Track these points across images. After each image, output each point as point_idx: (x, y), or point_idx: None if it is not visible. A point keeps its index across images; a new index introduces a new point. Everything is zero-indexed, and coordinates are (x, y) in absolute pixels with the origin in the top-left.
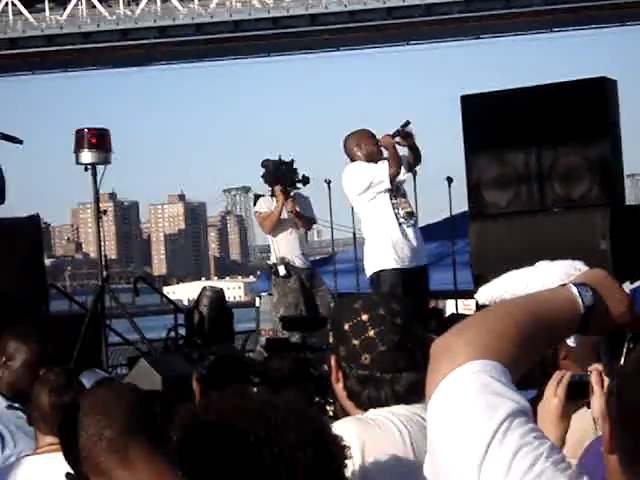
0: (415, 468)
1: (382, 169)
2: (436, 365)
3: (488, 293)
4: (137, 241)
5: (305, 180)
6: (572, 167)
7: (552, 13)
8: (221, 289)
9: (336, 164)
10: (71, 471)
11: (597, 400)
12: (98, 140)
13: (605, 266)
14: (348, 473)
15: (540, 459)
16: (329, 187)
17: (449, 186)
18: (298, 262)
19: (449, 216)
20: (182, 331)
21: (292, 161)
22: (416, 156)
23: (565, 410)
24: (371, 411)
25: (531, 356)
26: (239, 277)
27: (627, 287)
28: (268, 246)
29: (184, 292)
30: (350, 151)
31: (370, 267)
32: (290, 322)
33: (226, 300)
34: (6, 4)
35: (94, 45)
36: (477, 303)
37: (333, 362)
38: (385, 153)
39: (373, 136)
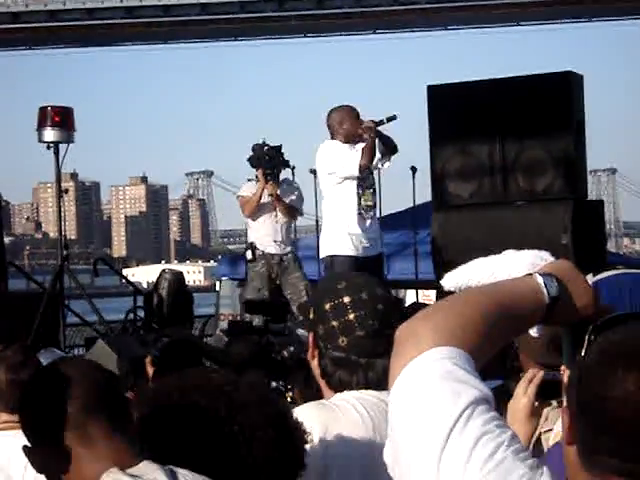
0: (378, 454)
1: (355, 157)
2: (401, 350)
3: (454, 279)
4: (97, 222)
5: (284, 163)
6: (536, 160)
7: (520, 6)
8: (181, 272)
9: (299, 150)
10: (28, 444)
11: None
12: (62, 118)
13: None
14: (307, 459)
15: (501, 447)
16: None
17: (413, 176)
18: (271, 248)
19: (412, 206)
20: (141, 313)
21: (278, 146)
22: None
23: (534, 409)
24: (337, 395)
25: (495, 345)
26: (199, 261)
27: (589, 279)
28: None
29: (144, 275)
30: (332, 126)
31: (325, 250)
32: (252, 305)
33: (186, 284)
34: None
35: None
36: (438, 292)
37: (311, 339)
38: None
39: (357, 116)
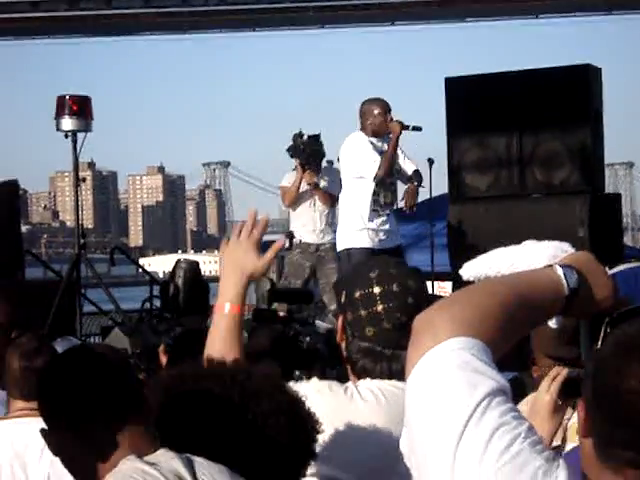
0: (391, 444)
1: (374, 163)
2: (418, 340)
3: (473, 269)
4: (114, 211)
5: (320, 152)
6: (553, 153)
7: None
8: (196, 262)
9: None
10: (45, 427)
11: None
12: (79, 107)
13: None
14: (317, 448)
15: (518, 439)
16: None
17: (430, 167)
18: (308, 237)
19: (429, 197)
20: (158, 303)
21: (316, 135)
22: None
23: (557, 406)
24: (360, 382)
25: (513, 336)
26: (216, 252)
27: None
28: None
29: (160, 264)
30: (363, 115)
31: (341, 243)
32: (276, 294)
33: (202, 273)
34: None
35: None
36: (454, 284)
37: (340, 321)
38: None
39: (387, 111)
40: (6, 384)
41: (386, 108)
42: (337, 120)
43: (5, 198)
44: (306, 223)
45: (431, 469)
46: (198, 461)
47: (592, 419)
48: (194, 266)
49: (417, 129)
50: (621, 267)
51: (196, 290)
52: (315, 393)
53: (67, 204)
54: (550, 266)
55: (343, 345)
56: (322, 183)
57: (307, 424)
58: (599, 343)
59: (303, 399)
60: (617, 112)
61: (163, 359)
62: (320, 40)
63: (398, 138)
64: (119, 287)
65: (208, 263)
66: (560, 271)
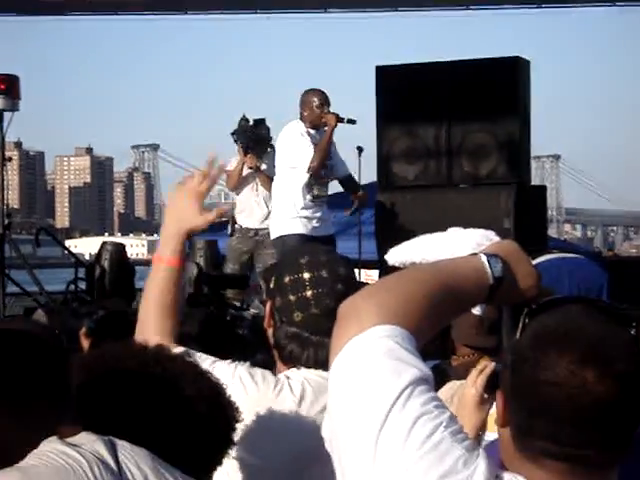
0: (316, 434)
1: (308, 156)
2: (343, 326)
3: (398, 255)
4: (41, 192)
5: (263, 136)
6: (481, 144)
7: None
8: (122, 244)
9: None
10: None
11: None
12: (7, 86)
13: None
14: (241, 435)
15: (439, 428)
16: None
17: (359, 156)
18: (248, 222)
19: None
20: (83, 285)
21: (261, 119)
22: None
23: (483, 400)
24: (290, 374)
25: (438, 324)
26: (143, 235)
27: None
28: None
29: (86, 246)
30: (301, 105)
31: (275, 231)
32: (210, 279)
33: (127, 256)
34: None
35: None
36: (380, 272)
37: (268, 308)
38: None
39: (324, 104)
40: None
41: (324, 100)
42: (268, 106)
43: None
44: (245, 208)
45: (353, 456)
46: (120, 444)
47: (510, 409)
48: (120, 249)
49: (352, 122)
50: (542, 258)
51: (122, 273)
52: (247, 379)
53: None
54: (475, 254)
55: (270, 331)
56: (263, 166)
57: (227, 412)
58: (517, 334)
59: (224, 386)
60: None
61: (85, 343)
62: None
63: (333, 130)
64: (44, 269)
65: (135, 246)
66: (485, 260)
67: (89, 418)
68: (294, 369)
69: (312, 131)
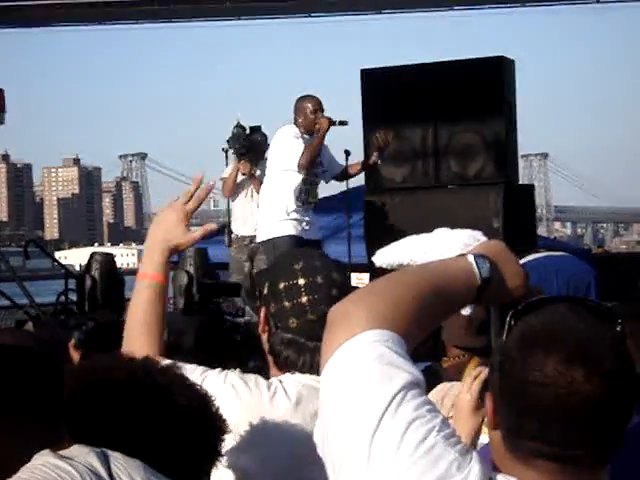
0: (310, 438)
1: (298, 154)
2: (333, 331)
3: (385, 257)
4: (29, 204)
5: (257, 143)
6: (468, 145)
7: None
8: (111, 254)
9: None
10: None
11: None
12: None
13: None
14: (235, 441)
15: (432, 432)
16: (226, 156)
17: (346, 159)
18: (243, 230)
19: (346, 189)
20: (74, 296)
21: (253, 127)
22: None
23: (478, 405)
24: (284, 379)
25: (428, 326)
26: (133, 244)
27: None
28: None
29: (76, 257)
30: (296, 112)
31: (264, 234)
32: (203, 287)
33: (117, 266)
34: None
35: None
36: (371, 275)
37: (262, 314)
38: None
39: (317, 110)
40: None
41: (318, 106)
42: (257, 113)
43: None
44: (239, 216)
45: (346, 462)
46: (114, 456)
47: (500, 411)
48: (109, 259)
49: (343, 123)
50: (529, 257)
51: (111, 283)
52: (240, 385)
53: None
54: (463, 255)
55: (265, 337)
56: (258, 172)
57: (215, 423)
58: (504, 335)
59: (212, 398)
60: (531, 104)
61: (74, 355)
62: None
63: (325, 133)
64: (34, 280)
65: (125, 255)
66: (472, 260)
67: (78, 429)
68: (288, 374)
69: (307, 136)
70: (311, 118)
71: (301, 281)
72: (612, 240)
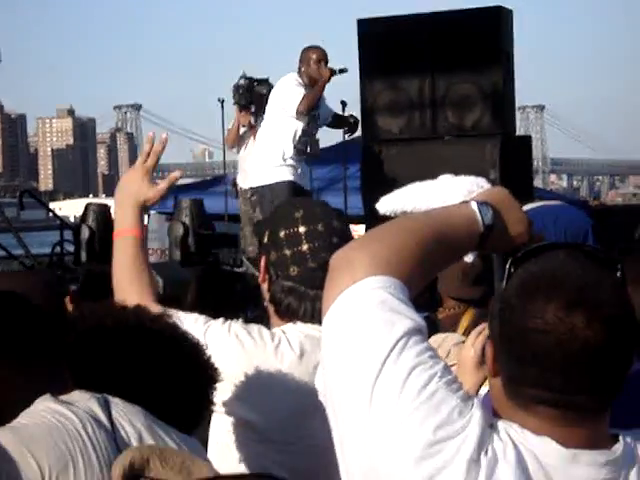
0: (314, 389)
1: (298, 99)
2: (335, 278)
3: (389, 204)
4: (24, 155)
5: (256, 95)
6: (465, 96)
7: None
8: (107, 205)
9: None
10: None
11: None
12: None
13: None
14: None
15: (434, 378)
16: (222, 107)
17: (343, 110)
18: (243, 182)
19: (342, 140)
20: (69, 247)
21: (265, 79)
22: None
23: (482, 360)
24: (287, 329)
25: (429, 273)
26: None
27: None
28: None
29: (71, 208)
30: (301, 61)
31: (259, 180)
32: (200, 238)
33: (112, 217)
34: None
35: None
36: (367, 227)
37: (263, 262)
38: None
39: (321, 60)
40: None
41: (322, 56)
42: (250, 62)
43: None
44: (242, 168)
45: (348, 407)
46: (114, 402)
47: (500, 359)
48: (105, 209)
49: (343, 71)
50: (526, 207)
51: (108, 233)
52: (244, 335)
53: None
54: (466, 202)
55: (265, 286)
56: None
57: (206, 372)
58: (503, 283)
59: (204, 347)
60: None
61: (70, 305)
62: None
63: (325, 83)
64: (29, 232)
65: None
66: (475, 207)
67: (76, 375)
68: (290, 324)
69: (303, 87)
70: (314, 68)
71: (302, 229)
72: (608, 192)
